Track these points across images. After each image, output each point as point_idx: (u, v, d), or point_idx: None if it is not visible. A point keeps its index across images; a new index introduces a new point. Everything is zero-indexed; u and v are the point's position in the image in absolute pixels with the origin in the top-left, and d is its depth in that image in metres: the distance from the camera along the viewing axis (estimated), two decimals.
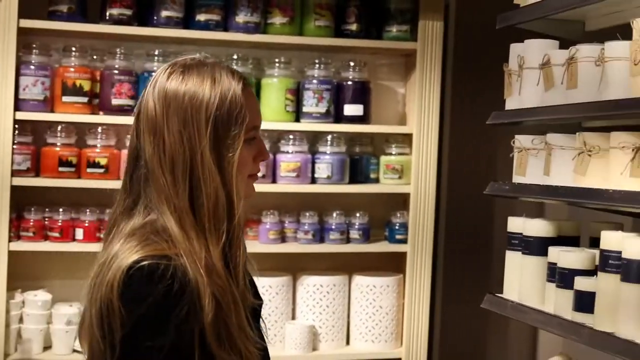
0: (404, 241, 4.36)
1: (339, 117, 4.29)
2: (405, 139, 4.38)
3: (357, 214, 4.35)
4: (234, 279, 1.94)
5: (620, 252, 2.39)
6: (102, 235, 4.02)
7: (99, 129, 4.10)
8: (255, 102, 2.03)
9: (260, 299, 2.10)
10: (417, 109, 4.29)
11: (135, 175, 1.98)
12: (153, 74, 3.98)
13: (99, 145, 4.08)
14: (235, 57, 4.21)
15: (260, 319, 2.10)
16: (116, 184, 4.18)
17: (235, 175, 1.93)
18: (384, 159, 4.37)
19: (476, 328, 4.73)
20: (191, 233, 1.90)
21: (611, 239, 2.45)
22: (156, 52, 4.14)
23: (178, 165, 1.91)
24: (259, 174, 2.07)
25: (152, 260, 1.85)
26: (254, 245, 4.09)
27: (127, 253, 1.88)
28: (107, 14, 4.06)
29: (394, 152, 4.37)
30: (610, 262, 2.44)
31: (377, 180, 4.37)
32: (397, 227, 4.38)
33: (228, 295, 1.89)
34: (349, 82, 4.29)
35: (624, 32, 2.44)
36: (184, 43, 4.24)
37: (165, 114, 1.92)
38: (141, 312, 1.83)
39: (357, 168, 4.36)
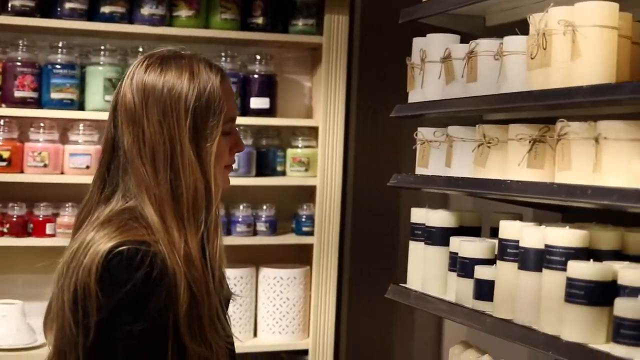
0: (311, 233, 4.39)
1: (245, 110, 4.29)
2: (312, 132, 4.41)
3: (264, 207, 4.37)
4: (210, 270, 1.97)
5: (517, 241, 2.45)
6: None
7: (1, 122, 4.03)
8: (232, 95, 2.08)
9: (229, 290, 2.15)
10: (323, 102, 4.33)
11: (113, 166, 2.00)
12: (57, 66, 3.98)
13: (1, 138, 4.02)
14: (140, 49, 4.18)
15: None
16: (18, 177, 4.11)
17: (214, 165, 1.98)
18: (290, 151, 4.40)
19: (383, 318, 4.78)
20: (171, 222, 1.92)
21: (509, 229, 2.51)
22: (60, 44, 4.08)
23: (159, 155, 1.94)
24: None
25: (132, 245, 1.87)
26: None
27: (105, 238, 1.89)
28: (10, 5, 3.98)
29: (300, 145, 4.39)
30: (509, 251, 2.49)
31: (283, 173, 4.39)
32: (303, 220, 4.41)
33: (203, 287, 1.92)
34: (255, 75, 4.30)
35: (523, 27, 2.50)
36: (88, 35, 4.19)
37: (144, 105, 1.95)
38: (120, 297, 1.84)
39: (263, 161, 4.37)
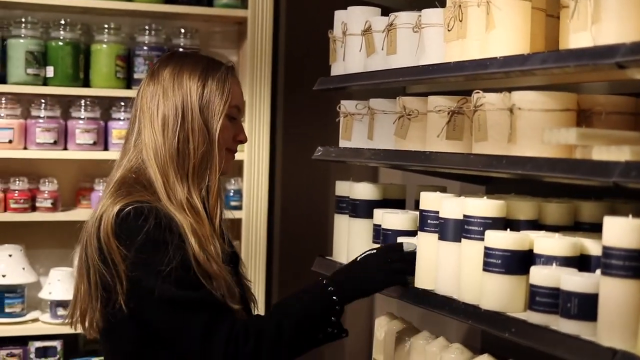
0: (239, 207, 4.38)
1: None
2: None
3: None
4: (211, 222, 2.30)
5: (437, 212, 2.46)
6: None
7: None
8: (239, 88, 2.43)
9: (232, 247, 2.47)
10: (249, 77, 4.30)
11: (130, 136, 2.35)
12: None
13: None
14: (63, 22, 4.12)
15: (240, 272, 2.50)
16: None
17: (219, 137, 2.31)
18: None
19: None
20: (174, 178, 2.26)
21: (429, 200, 2.52)
22: None
23: (169, 119, 2.29)
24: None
25: (136, 204, 2.20)
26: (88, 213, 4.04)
27: (112, 204, 2.22)
28: None
29: None
30: (429, 222, 2.50)
31: None
32: (231, 194, 4.39)
33: (205, 230, 2.25)
34: (181, 49, 4.26)
35: (443, 1, 2.51)
36: (9, 7, 4.12)
37: (162, 82, 2.31)
38: (138, 245, 2.16)
39: None
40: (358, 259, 2.46)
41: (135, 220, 2.18)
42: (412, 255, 2.50)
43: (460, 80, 2.45)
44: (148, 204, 2.21)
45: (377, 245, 2.77)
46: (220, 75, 2.35)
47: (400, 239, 2.61)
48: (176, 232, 2.20)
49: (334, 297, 2.33)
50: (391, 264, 2.45)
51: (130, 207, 2.19)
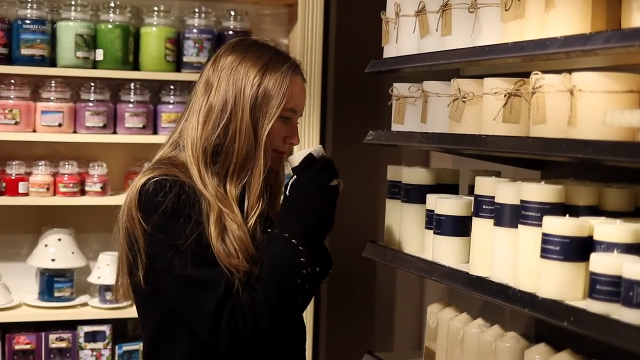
0: None
1: None
2: None
3: None
4: (245, 221, 2.25)
5: (493, 198, 2.41)
6: None
7: None
8: (301, 90, 2.35)
9: None
10: (299, 60, 4.25)
11: (182, 117, 2.35)
12: (27, 21, 3.89)
13: None
14: (112, 4, 4.10)
15: None
16: None
17: (266, 139, 2.25)
18: None
19: (365, 275, 4.76)
20: (204, 171, 2.23)
21: (484, 185, 2.47)
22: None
23: (213, 114, 2.25)
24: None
25: (160, 177, 2.18)
26: None
27: (140, 177, 2.22)
28: None
29: None
30: (484, 208, 2.46)
31: None
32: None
33: (235, 219, 2.21)
34: (230, 32, 4.23)
35: None
36: None
37: (219, 72, 2.27)
38: (156, 219, 2.15)
39: None
40: (288, 193, 2.31)
41: (155, 194, 2.16)
42: (326, 159, 2.35)
43: (518, 61, 2.40)
44: (173, 178, 2.19)
45: (431, 231, 2.72)
46: (280, 75, 2.27)
47: (297, 155, 2.39)
48: (198, 209, 2.18)
49: (294, 241, 2.23)
50: (316, 179, 2.30)
51: (153, 180, 2.18)
